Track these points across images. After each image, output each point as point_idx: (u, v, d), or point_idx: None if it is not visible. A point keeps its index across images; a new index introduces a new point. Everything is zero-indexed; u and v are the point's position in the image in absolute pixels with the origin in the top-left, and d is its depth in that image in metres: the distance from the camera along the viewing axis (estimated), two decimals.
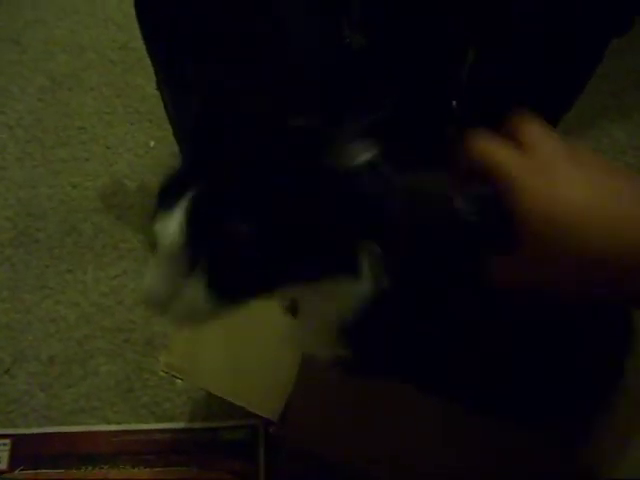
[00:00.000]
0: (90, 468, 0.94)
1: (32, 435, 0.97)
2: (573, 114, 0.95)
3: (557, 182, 0.45)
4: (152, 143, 1.22)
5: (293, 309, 0.65)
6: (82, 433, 0.98)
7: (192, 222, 0.45)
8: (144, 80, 1.28)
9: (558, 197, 0.44)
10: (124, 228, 1.13)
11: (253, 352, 0.83)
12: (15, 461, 0.95)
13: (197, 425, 0.97)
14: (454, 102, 0.90)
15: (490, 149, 0.49)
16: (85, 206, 1.16)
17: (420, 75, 0.86)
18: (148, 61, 1.04)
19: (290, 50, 0.82)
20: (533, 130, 0.49)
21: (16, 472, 0.94)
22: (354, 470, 0.74)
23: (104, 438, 0.97)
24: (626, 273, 0.43)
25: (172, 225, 0.45)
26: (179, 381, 0.91)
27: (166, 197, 0.47)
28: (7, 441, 0.96)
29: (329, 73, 0.82)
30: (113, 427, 0.98)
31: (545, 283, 0.48)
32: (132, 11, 0.99)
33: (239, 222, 0.45)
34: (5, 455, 0.95)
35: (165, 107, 1.01)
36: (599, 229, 0.43)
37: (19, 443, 0.97)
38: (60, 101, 1.28)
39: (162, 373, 0.82)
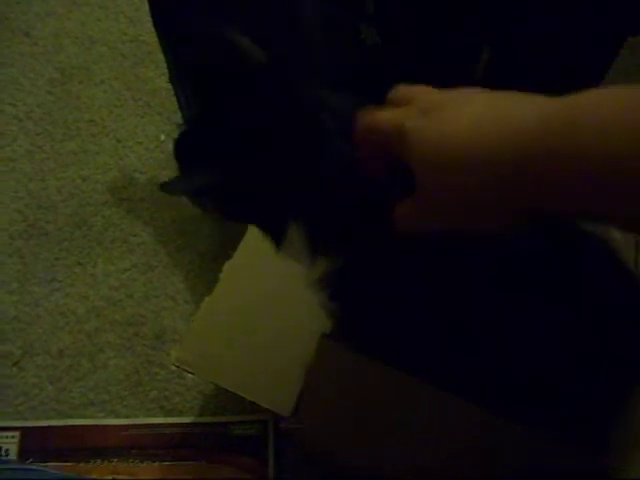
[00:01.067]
0: (99, 462, 0.94)
1: (41, 428, 0.97)
2: None
3: (439, 122, 0.44)
4: (162, 137, 1.21)
5: None
6: (91, 426, 0.98)
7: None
8: (154, 73, 1.27)
9: (443, 136, 0.43)
10: (134, 222, 1.13)
11: (264, 347, 0.83)
12: (24, 453, 0.95)
13: (206, 420, 0.97)
14: None
15: (375, 116, 0.50)
16: (95, 199, 1.16)
17: (434, 73, 0.86)
18: (159, 54, 1.04)
19: (306, 43, 0.82)
20: (411, 89, 0.50)
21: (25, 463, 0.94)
22: (365, 468, 0.74)
23: (113, 432, 0.97)
24: (519, 187, 0.40)
25: None
26: (189, 375, 0.91)
27: None
28: (16, 433, 0.96)
29: (344, 69, 0.82)
30: (122, 421, 0.98)
31: (448, 223, 0.47)
32: (143, 4, 0.99)
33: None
34: (14, 447, 0.95)
35: (177, 100, 1.01)
36: (485, 154, 0.41)
37: (28, 436, 0.96)
38: (70, 94, 1.27)
39: (173, 367, 0.83)
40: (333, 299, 0.67)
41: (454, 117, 0.44)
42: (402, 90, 0.51)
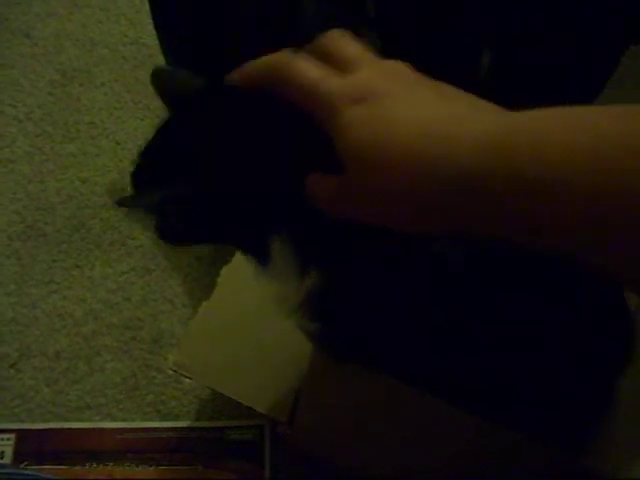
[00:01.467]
0: (95, 465, 0.94)
1: (37, 430, 0.97)
2: None
3: (382, 118, 0.41)
4: None
5: None
6: (87, 430, 0.97)
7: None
8: None
9: (386, 136, 0.40)
10: (132, 225, 1.13)
11: (261, 352, 0.83)
12: (19, 456, 0.94)
13: (203, 424, 0.96)
14: None
15: (301, 68, 0.45)
16: (94, 201, 1.16)
17: (435, 76, 0.86)
18: (159, 57, 1.04)
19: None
20: (350, 48, 0.45)
21: (20, 467, 0.93)
22: (362, 473, 0.74)
23: (109, 435, 0.96)
24: (461, 205, 0.38)
25: None
26: (186, 380, 0.91)
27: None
28: (11, 436, 0.96)
29: None
30: (118, 424, 0.97)
31: (372, 217, 0.44)
32: (144, 7, 0.99)
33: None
34: (9, 450, 0.95)
35: None
36: (428, 167, 0.38)
37: (23, 438, 0.96)
38: (71, 96, 1.27)
39: (170, 371, 0.82)
40: (315, 319, 0.64)
41: (400, 117, 0.40)
42: (327, 42, 0.46)
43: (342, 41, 0.46)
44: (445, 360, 0.63)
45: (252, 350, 0.83)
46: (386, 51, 0.84)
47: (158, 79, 0.58)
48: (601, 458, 0.69)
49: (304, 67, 0.45)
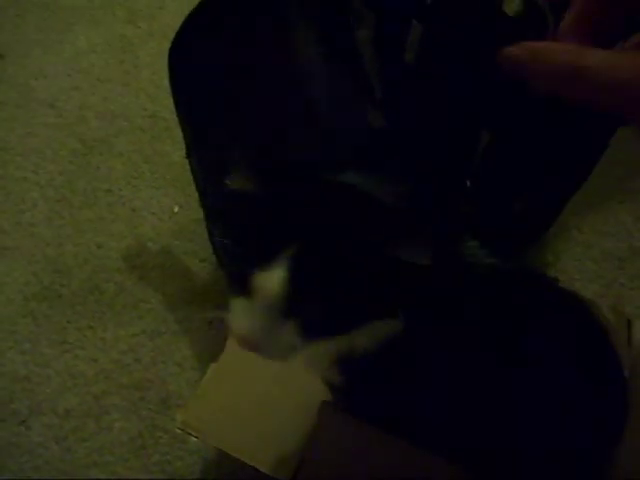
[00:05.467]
0: None
1: None
2: (581, 194, 1.00)
3: None
4: (176, 208, 1.27)
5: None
6: None
7: (293, 281, 0.52)
8: (171, 148, 1.34)
9: None
10: (145, 289, 1.18)
11: (267, 414, 0.86)
12: None
13: None
14: (468, 182, 0.95)
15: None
16: (109, 266, 1.21)
17: (435, 156, 0.91)
18: (175, 130, 1.09)
19: (320, 127, 0.87)
20: None
21: None
22: None
23: None
24: None
25: (274, 279, 0.52)
26: (192, 440, 0.93)
27: (262, 249, 0.54)
28: None
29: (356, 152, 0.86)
30: None
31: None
32: (163, 82, 1.05)
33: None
34: None
35: (193, 175, 1.06)
36: None
37: None
38: (90, 164, 1.34)
39: (177, 431, 0.85)
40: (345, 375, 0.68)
41: None
42: None
43: None
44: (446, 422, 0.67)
45: (257, 411, 0.86)
46: (391, 131, 0.90)
47: None
48: None
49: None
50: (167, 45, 0.92)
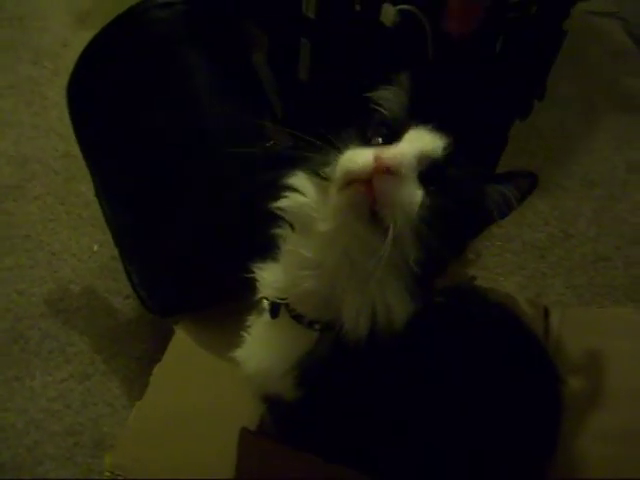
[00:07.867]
0: None
1: None
2: None
3: None
4: (95, 247, 1.26)
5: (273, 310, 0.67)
6: None
7: None
8: (86, 187, 1.32)
9: None
10: (70, 332, 1.16)
11: (195, 447, 0.85)
12: None
13: None
14: None
15: None
16: (32, 312, 1.19)
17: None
18: None
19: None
20: None
21: None
22: None
23: None
24: None
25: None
26: None
27: None
28: None
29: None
30: None
31: None
32: None
33: None
34: None
35: (103, 213, 1.05)
36: None
37: None
38: (5, 212, 1.32)
39: (107, 474, 0.84)
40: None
41: None
42: None
43: None
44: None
45: (186, 445, 0.85)
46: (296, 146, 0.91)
47: None
48: None
49: None
50: None
